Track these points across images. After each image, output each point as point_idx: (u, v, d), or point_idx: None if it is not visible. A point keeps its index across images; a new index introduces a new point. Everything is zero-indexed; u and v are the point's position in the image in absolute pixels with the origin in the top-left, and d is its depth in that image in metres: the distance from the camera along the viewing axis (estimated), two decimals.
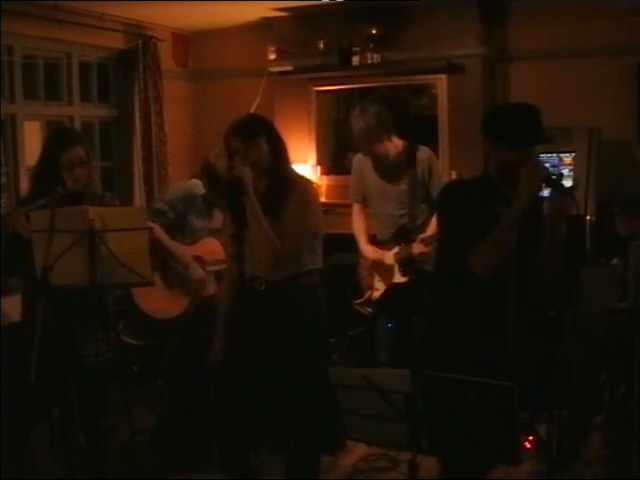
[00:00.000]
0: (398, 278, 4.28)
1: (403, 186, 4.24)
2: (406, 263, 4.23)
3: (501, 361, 2.70)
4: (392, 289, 4.32)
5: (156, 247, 3.86)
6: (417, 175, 4.22)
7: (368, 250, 4.40)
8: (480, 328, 2.72)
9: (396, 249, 4.29)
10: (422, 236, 4.18)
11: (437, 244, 2.77)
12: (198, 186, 4.19)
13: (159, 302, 4.08)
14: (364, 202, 4.49)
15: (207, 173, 4.15)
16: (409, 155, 4.23)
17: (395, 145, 4.24)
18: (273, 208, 2.93)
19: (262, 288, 2.99)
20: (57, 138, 3.48)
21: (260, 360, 2.95)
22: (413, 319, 4.14)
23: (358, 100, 6.08)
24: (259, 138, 2.94)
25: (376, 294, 4.41)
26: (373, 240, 4.45)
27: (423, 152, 4.29)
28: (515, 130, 2.64)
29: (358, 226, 4.49)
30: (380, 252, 4.35)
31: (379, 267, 4.38)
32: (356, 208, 4.52)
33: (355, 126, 4.14)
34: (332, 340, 5.24)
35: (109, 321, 3.54)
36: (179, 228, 4.15)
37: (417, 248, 4.15)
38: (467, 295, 2.73)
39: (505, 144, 2.64)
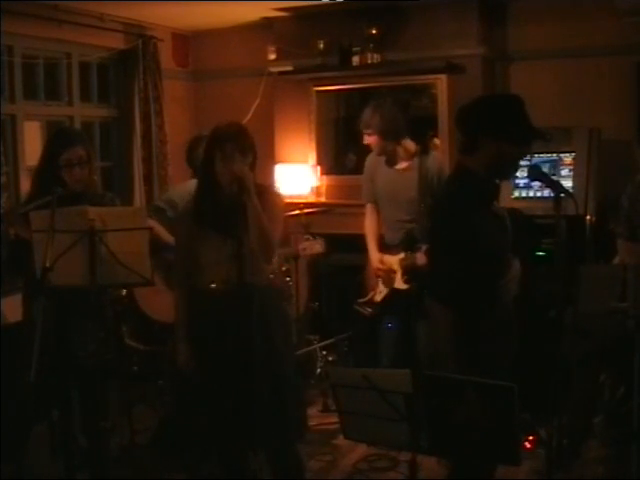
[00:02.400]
0: (400, 284, 4.28)
1: (413, 192, 4.22)
2: (410, 271, 4.23)
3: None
4: (393, 294, 4.33)
5: (160, 246, 3.86)
6: (427, 181, 4.20)
7: (374, 258, 4.42)
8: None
9: (402, 255, 4.28)
10: (427, 247, 4.17)
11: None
12: None
13: (161, 304, 4.06)
14: (376, 203, 4.49)
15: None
16: (421, 160, 4.22)
17: (408, 148, 4.24)
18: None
19: (248, 290, 3.02)
20: (57, 138, 3.49)
21: (241, 360, 2.98)
22: (414, 323, 4.14)
23: (358, 100, 6.09)
24: (251, 153, 3.04)
25: (378, 297, 4.42)
26: (381, 242, 4.47)
27: (434, 158, 4.29)
28: (522, 127, 2.61)
29: (369, 228, 4.51)
30: (386, 263, 4.36)
31: (383, 270, 4.40)
32: (369, 208, 4.54)
33: (376, 114, 4.17)
34: (332, 340, 5.26)
35: (108, 321, 3.53)
36: None
37: (421, 259, 4.12)
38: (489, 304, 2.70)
39: (510, 140, 2.60)
